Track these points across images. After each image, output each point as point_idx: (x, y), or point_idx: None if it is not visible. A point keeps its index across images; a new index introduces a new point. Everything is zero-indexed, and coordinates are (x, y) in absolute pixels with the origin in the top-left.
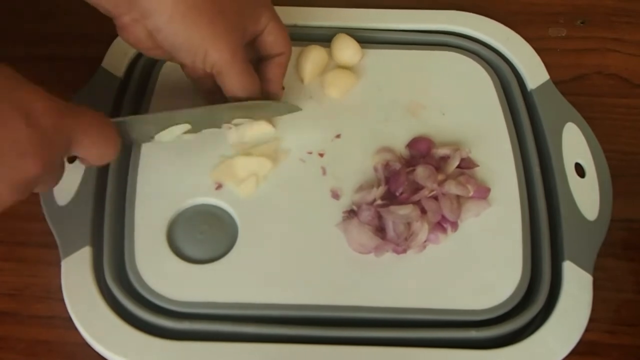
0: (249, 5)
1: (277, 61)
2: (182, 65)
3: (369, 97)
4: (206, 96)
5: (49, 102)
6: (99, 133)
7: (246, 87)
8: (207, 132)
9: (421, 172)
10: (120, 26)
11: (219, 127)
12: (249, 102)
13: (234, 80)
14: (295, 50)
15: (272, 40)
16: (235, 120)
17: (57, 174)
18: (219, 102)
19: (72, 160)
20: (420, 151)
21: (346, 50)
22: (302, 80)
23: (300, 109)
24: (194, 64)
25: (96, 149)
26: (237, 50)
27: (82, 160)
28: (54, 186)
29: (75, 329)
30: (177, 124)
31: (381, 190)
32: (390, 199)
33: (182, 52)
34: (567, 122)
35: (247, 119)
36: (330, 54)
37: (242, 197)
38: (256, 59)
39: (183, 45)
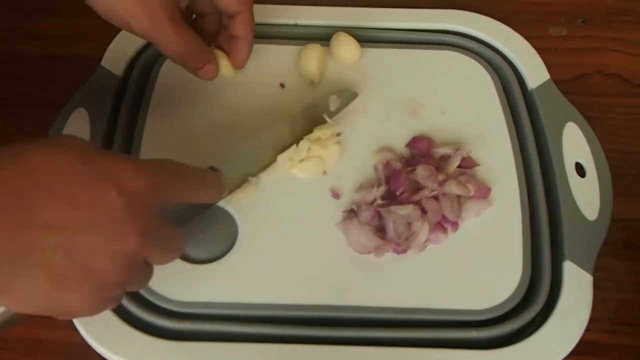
0: None
1: (239, 19)
2: None
3: (369, 97)
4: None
5: (134, 165)
6: (194, 173)
7: (178, 50)
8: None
9: (421, 172)
10: None
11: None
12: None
13: (164, 45)
14: (295, 49)
15: (225, 2)
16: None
17: (160, 240)
18: None
19: None
20: (421, 150)
21: (345, 48)
22: (312, 82)
23: (357, 94)
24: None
25: (203, 189)
26: (159, 18)
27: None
28: (162, 262)
29: (75, 329)
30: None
31: (381, 190)
32: (390, 198)
33: (109, 19)
34: (567, 121)
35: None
36: (329, 53)
37: (242, 197)
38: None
39: (106, 15)
